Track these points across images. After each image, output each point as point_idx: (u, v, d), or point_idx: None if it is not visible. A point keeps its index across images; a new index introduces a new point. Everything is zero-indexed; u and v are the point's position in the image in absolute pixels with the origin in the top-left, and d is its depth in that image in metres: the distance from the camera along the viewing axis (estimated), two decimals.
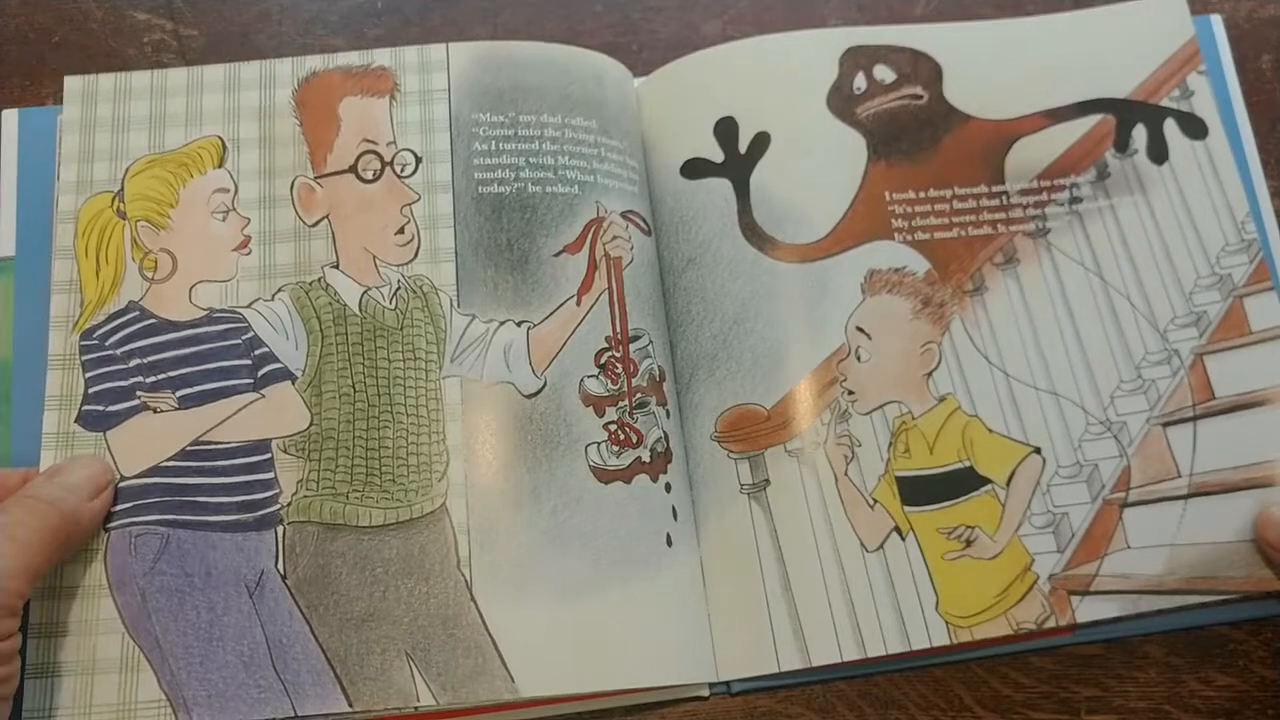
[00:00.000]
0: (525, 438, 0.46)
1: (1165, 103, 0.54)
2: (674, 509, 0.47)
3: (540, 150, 0.50)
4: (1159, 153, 0.54)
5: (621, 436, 0.47)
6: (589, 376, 0.48)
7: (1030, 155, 0.54)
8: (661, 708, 0.47)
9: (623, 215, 0.50)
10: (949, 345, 0.51)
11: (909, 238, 0.52)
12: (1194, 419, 0.49)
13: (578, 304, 0.48)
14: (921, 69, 0.55)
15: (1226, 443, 0.49)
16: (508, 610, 0.44)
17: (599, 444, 0.47)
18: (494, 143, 0.50)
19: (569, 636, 0.44)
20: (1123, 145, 0.54)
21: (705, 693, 0.47)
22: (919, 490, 0.48)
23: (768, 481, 0.48)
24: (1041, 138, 0.54)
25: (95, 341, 0.46)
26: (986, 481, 0.48)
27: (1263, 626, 0.48)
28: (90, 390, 0.46)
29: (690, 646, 0.46)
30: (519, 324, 0.48)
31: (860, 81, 0.54)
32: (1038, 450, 0.49)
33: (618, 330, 0.49)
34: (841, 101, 0.53)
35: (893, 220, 0.52)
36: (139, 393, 0.46)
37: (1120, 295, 0.51)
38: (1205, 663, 0.47)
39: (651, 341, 0.49)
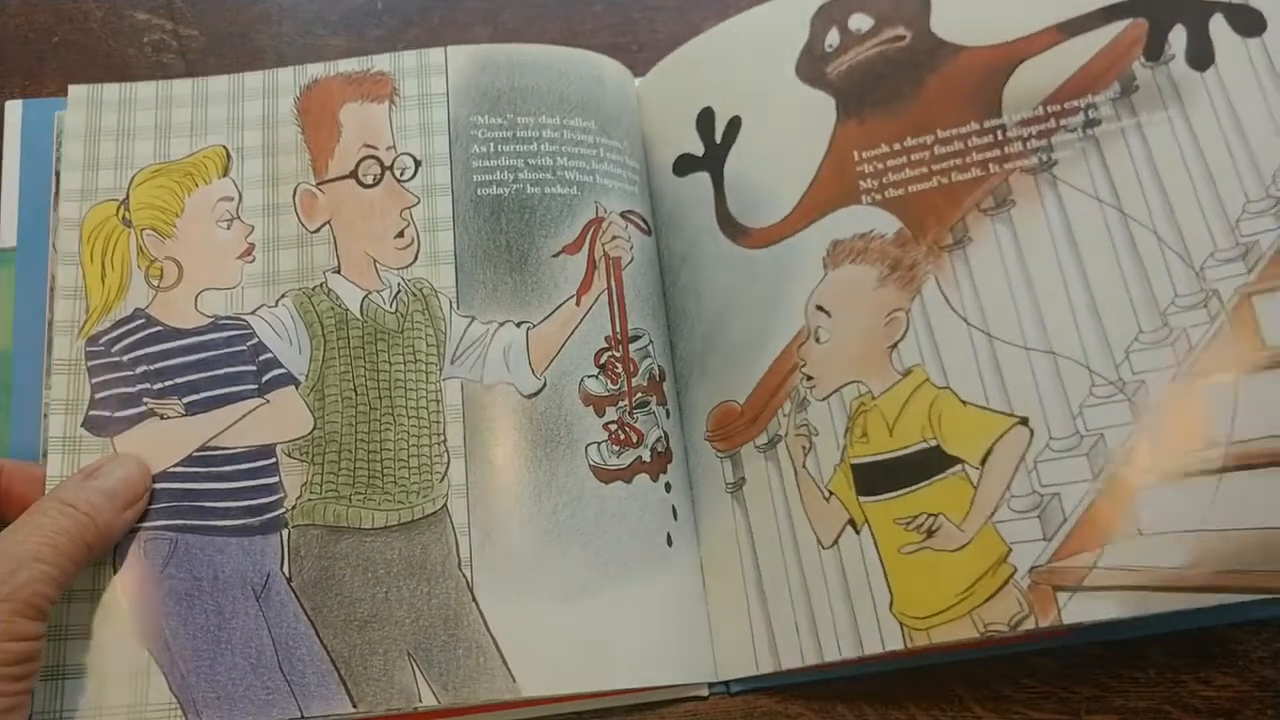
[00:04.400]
0: (525, 438, 0.47)
1: None
2: (674, 508, 0.48)
3: (538, 152, 0.50)
4: (1202, 56, 0.45)
5: (622, 436, 0.47)
6: (589, 376, 0.48)
7: (1036, 78, 0.47)
8: (661, 707, 0.47)
9: (622, 215, 0.51)
10: (919, 310, 0.45)
11: (878, 197, 0.47)
12: (1235, 374, 0.41)
13: (577, 304, 0.48)
14: (905, 4, 0.49)
15: (1278, 402, 0.41)
16: (509, 610, 0.44)
17: (599, 444, 0.47)
18: (492, 145, 0.50)
19: (570, 636, 0.44)
20: (1155, 52, 0.46)
21: (705, 692, 0.47)
22: (876, 477, 0.44)
23: (744, 480, 0.47)
24: (1052, 56, 0.47)
25: (101, 348, 0.47)
26: (956, 462, 0.43)
27: (1263, 626, 0.47)
28: (96, 396, 0.46)
29: (690, 646, 0.46)
30: (518, 325, 0.48)
31: (833, 37, 0.49)
32: (1024, 421, 0.43)
33: (617, 330, 0.49)
34: (811, 64, 0.49)
35: (861, 182, 0.47)
36: (146, 399, 0.46)
37: (1144, 228, 0.44)
38: (1205, 663, 0.47)
39: (652, 341, 0.49)
